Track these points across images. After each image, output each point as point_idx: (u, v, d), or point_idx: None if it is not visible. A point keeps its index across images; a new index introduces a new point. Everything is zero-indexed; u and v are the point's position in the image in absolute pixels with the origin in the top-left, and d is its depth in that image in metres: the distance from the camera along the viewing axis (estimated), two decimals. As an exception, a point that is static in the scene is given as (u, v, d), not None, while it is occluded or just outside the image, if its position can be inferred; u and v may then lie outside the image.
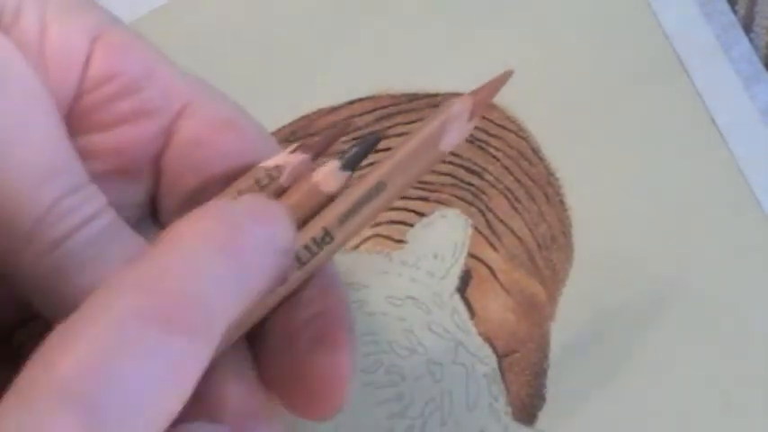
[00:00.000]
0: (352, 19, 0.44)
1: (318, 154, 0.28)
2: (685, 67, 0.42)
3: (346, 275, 0.40)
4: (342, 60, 0.43)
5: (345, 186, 0.27)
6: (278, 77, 0.43)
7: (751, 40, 0.42)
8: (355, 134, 0.42)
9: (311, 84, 0.43)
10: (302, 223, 0.26)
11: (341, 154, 0.27)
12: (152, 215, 0.29)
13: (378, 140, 0.28)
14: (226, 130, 0.28)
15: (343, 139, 0.42)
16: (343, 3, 0.44)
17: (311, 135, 0.42)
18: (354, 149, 0.28)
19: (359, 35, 0.43)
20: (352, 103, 0.43)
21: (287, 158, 0.27)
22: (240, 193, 0.27)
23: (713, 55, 0.42)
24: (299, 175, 0.27)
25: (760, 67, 0.42)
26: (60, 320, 0.23)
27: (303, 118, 0.43)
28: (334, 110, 0.43)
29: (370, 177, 0.27)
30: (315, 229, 0.26)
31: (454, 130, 0.27)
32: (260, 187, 0.27)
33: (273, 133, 0.42)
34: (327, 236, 0.26)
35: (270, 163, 0.27)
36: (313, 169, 0.27)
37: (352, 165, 0.27)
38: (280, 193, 0.27)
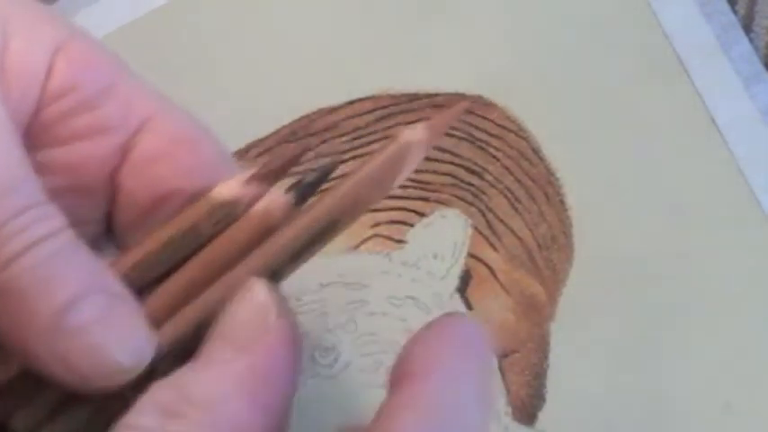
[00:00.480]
0: (353, 19, 0.44)
1: (275, 181, 0.27)
2: (685, 67, 0.42)
3: (346, 275, 0.40)
4: (342, 60, 0.43)
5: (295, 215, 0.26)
6: (278, 77, 0.43)
7: (751, 40, 0.42)
8: (355, 134, 0.42)
9: (311, 84, 0.43)
10: (247, 250, 0.26)
11: (295, 183, 0.27)
12: (108, 232, 0.29)
13: (331, 169, 0.28)
14: (183, 147, 0.28)
15: (343, 139, 0.42)
16: (343, 3, 0.44)
17: (311, 135, 0.42)
18: (308, 180, 0.27)
19: (359, 35, 0.44)
20: (352, 103, 0.43)
21: (242, 191, 0.27)
22: (194, 225, 0.27)
23: (713, 55, 0.42)
24: (253, 203, 0.27)
25: (760, 67, 0.42)
26: (10, 343, 0.23)
27: (303, 118, 0.43)
28: (334, 110, 0.43)
29: (322, 212, 0.26)
30: (265, 269, 0.26)
31: (411, 163, 0.26)
32: (214, 222, 0.27)
33: (273, 134, 0.42)
34: (277, 275, 0.26)
35: (224, 196, 0.27)
36: (265, 192, 0.27)
37: (305, 197, 0.27)
38: (231, 221, 0.27)
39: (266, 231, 0.26)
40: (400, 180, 0.26)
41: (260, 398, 0.24)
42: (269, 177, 0.27)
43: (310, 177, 0.27)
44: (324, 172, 0.27)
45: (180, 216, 0.27)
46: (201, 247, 0.27)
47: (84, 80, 0.27)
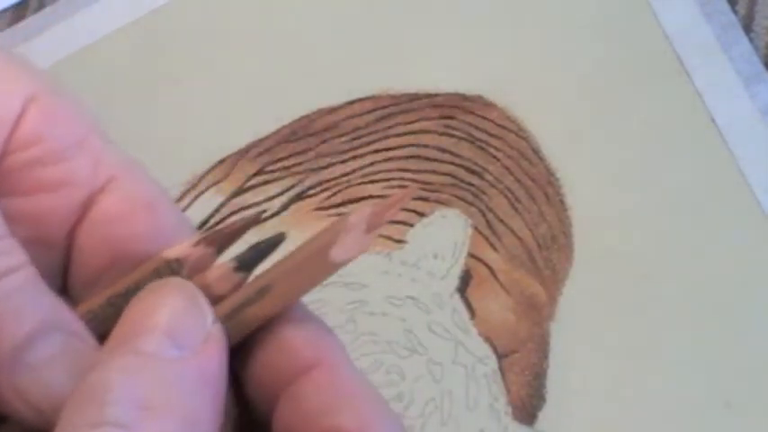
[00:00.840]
0: (353, 19, 0.44)
1: (224, 246, 0.27)
2: (685, 67, 0.42)
3: (346, 275, 0.40)
4: (342, 60, 0.43)
5: (239, 286, 0.26)
6: (278, 77, 0.43)
7: (751, 40, 0.42)
8: (355, 134, 0.42)
9: (311, 84, 0.43)
10: None
11: (242, 253, 0.27)
12: (64, 290, 0.29)
13: (278, 242, 0.27)
14: (142, 211, 0.28)
15: (343, 139, 0.42)
16: (343, 3, 0.44)
17: (311, 135, 0.42)
18: (252, 251, 0.27)
19: (359, 35, 0.44)
20: (352, 103, 0.43)
21: (189, 251, 0.27)
22: (138, 283, 0.27)
23: (713, 55, 0.42)
24: (200, 268, 0.27)
25: (760, 67, 0.42)
26: None
27: (303, 118, 0.43)
28: (334, 110, 0.43)
29: (257, 282, 0.26)
30: None
31: (349, 242, 0.26)
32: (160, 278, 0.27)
33: (273, 134, 0.42)
34: None
35: (171, 254, 0.27)
36: (211, 263, 0.27)
37: (248, 267, 0.27)
38: None
39: (209, 298, 0.26)
40: (340, 259, 0.26)
41: (213, 398, 0.24)
42: (218, 241, 0.27)
43: (256, 248, 0.27)
44: (269, 245, 0.27)
45: (127, 275, 0.27)
46: None
47: (55, 131, 0.27)
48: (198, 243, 0.27)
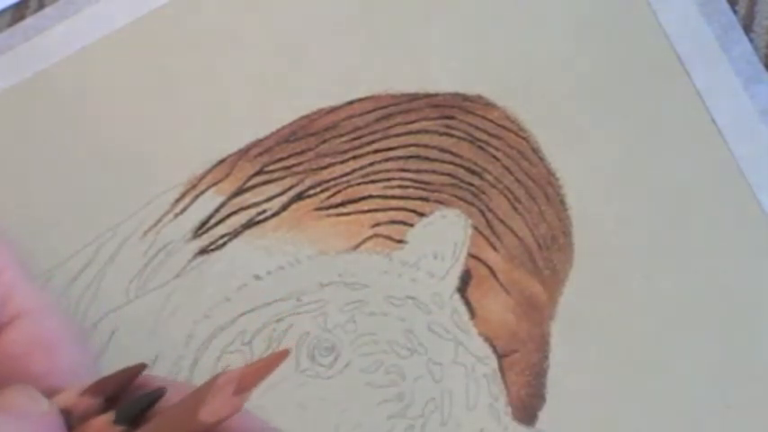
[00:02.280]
0: (353, 19, 0.44)
1: (112, 396, 0.28)
2: (685, 67, 0.42)
3: (346, 275, 0.40)
4: (342, 60, 0.43)
5: None
6: (278, 77, 0.43)
7: (751, 40, 0.42)
8: (355, 134, 0.42)
9: (311, 84, 0.43)
10: None
11: (119, 408, 0.27)
12: None
13: (158, 397, 0.28)
14: (39, 352, 0.28)
15: (343, 139, 0.42)
16: (343, 3, 0.44)
17: (311, 135, 0.42)
18: (131, 403, 0.27)
19: (359, 35, 0.44)
20: (351, 103, 0.43)
21: (76, 401, 0.27)
22: None
23: (713, 55, 0.42)
24: (87, 417, 0.27)
25: (760, 67, 0.42)
26: None
27: (303, 118, 0.43)
28: (334, 110, 0.43)
29: None
30: None
31: (218, 403, 0.26)
32: None
33: (273, 134, 0.42)
34: None
35: (60, 404, 0.27)
36: (99, 412, 0.27)
37: (127, 420, 0.27)
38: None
39: None
40: (209, 419, 0.26)
41: None
42: (103, 391, 0.28)
43: (136, 402, 0.27)
44: (148, 399, 0.28)
45: None
46: None
47: None
48: (84, 393, 0.27)
